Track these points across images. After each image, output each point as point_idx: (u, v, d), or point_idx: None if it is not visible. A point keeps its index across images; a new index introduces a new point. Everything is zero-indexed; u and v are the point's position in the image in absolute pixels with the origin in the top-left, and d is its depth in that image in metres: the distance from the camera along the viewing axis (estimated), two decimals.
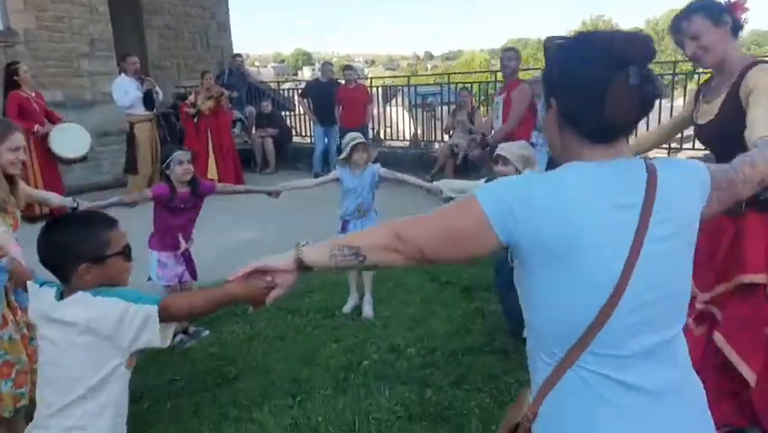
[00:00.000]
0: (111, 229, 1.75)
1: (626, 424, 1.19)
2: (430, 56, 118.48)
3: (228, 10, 12.53)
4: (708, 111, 2.43)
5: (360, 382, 3.30)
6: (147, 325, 1.60)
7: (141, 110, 7.99)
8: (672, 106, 7.59)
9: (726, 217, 2.37)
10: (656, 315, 1.21)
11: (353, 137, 4.18)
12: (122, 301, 1.61)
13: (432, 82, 13.39)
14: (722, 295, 2.46)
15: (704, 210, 1.32)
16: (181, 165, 3.66)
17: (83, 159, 7.55)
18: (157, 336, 1.62)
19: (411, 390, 3.17)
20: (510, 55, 6.11)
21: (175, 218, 3.79)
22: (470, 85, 9.60)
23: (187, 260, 3.94)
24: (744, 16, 2.30)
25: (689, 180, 1.29)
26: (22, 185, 2.82)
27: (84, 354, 1.63)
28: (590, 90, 1.18)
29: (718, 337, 2.42)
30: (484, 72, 13.48)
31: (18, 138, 2.63)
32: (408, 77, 13.11)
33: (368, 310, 4.25)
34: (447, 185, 3.71)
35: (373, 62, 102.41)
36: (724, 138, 2.28)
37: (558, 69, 1.27)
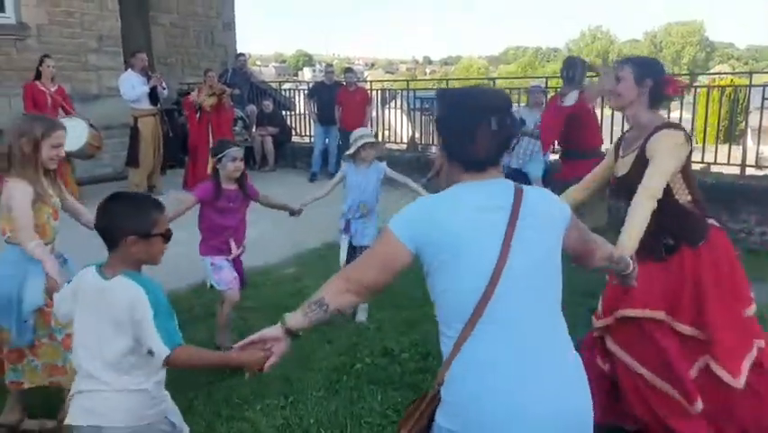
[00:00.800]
0: (159, 212, 2.01)
1: (509, 373, 1.48)
2: (429, 61, 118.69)
3: (234, 9, 12.66)
4: (623, 165, 2.66)
5: (352, 385, 3.32)
6: (152, 355, 1.89)
7: (146, 105, 8.15)
8: (668, 118, 7.65)
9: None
10: (529, 292, 1.52)
11: (362, 134, 4.23)
12: (151, 323, 1.86)
13: (430, 87, 13.58)
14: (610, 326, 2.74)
15: (565, 236, 1.65)
16: (234, 162, 3.57)
17: (82, 154, 7.60)
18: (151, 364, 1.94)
19: (403, 395, 3.17)
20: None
21: (223, 218, 3.63)
22: None
23: (238, 266, 3.81)
24: (667, 90, 2.56)
25: (550, 203, 1.66)
26: (64, 192, 2.95)
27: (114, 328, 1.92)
28: (462, 133, 1.58)
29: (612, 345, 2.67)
30: (482, 79, 13.63)
31: (61, 135, 2.75)
32: (408, 81, 13.28)
33: (361, 315, 4.25)
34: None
35: (373, 65, 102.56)
36: (634, 192, 2.49)
37: (439, 114, 1.70)
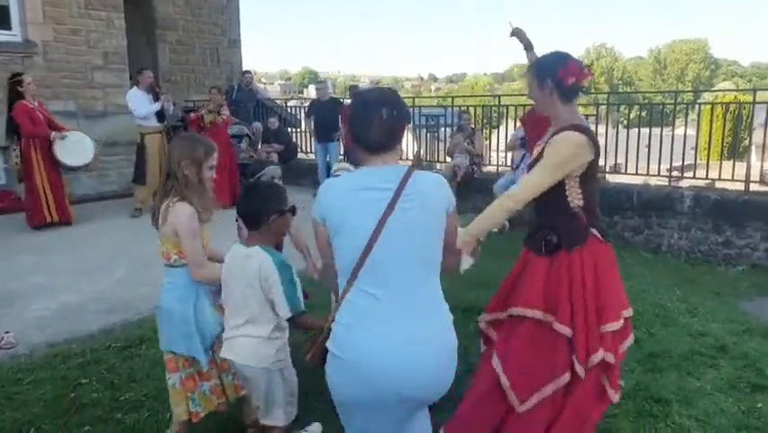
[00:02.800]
0: (285, 192, 2.55)
1: (377, 318, 1.88)
2: (434, 78, 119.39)
3: (240, 27, 12.78)
4: (534, 155, 2.67)
5: None
6: (281, 314, 2.37)
7: (153, 122, 8.20)
8: (673, 135, 7.67)
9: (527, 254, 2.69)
10: (404, 252, 1.88)
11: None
12: (280, 293, 2.34)
13: (435, 104, 13.63)
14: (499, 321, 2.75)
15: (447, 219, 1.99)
16: (275, 180, 3.78)
17: (85, 167, 7.70)
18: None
19: None
20: None
21: None
22: (473, 107, 9.80)
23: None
24: (570, 80, 2.47)
25: (438, 187, 1.99)
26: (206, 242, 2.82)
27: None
28: (362, 122, 1.95)
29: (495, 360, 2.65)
30: (487, 96, 13.69)
31: (216, 157, 2.70)
32: (413, 98, 13.33)
33: None
34: None
35: (378, 83, 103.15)
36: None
37: (350, 109, 2.12)
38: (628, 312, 2.65)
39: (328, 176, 9.90)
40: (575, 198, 2.52)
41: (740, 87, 38.71)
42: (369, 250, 1.86)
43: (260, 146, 10.60)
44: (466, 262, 2.48)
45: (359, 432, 2.06)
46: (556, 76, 2.49)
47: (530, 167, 2.62)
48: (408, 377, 1.88)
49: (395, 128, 1.97)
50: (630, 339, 2.70)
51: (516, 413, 2.57)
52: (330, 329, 1.98)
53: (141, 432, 3.01)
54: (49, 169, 7.29)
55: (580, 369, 2.49)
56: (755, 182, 6.64)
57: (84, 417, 3.15)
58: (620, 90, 57.16)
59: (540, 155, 2.53)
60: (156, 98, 8.17)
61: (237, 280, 2.43)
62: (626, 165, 7.93)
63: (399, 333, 1.87)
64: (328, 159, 9.76)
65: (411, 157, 10.50)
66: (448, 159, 9.11)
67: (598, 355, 2.49)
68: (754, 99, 7.14)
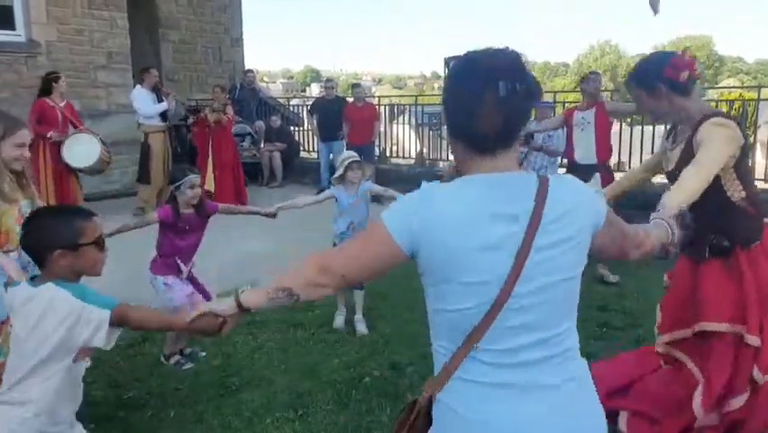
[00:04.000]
0: (85, 220, 1.94)
1: (510, 407, 1.33)
2: (437, 76, 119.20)
3: (242, 26, 12.77)
4: (672, 158, 2.52)
5: (361, 398, 3.32)
6: (99, 329, 1.79)
7: (156, 121, 8.22)
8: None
9: (688, 263, 2.55)
10: (542, 315, 1.34)
11: (347, 156, 4.23)
12: (78, 303, 1.77)
13: (438, 102, 13.59)
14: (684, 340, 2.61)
15: (595, 237, 1.42)
16: (192, 189, 3.58)
17: (93, 170, 7.67)
18: (102, 340, 1.80)
19: None
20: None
21: (182, 240, 3.68)
22: None
23: (194, 282, 3.83)
24: (684, 75, 2.34)
25: (580, 196, 1.39)
26: (38, 200, 2.73)
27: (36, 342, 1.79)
28: (465, 102, 1.31)
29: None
30: None
31: (24, 135, 2.57)
32: (416, 96, 13.32)
33: (361, 328, 4.26)
34: None
35: (380, 81, 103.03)
36: None
37: (445, 84, 1.44)
38: None
39: (331, 175, 9.94)
40: (735, 191, 2.38)
41: (745, 84, 38.55)
42: (497, 311, 1.30)
43: (262, 145, 10.61)
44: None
45: None
46: (665, 77, 2.35)
47: (674, 170, 2.44)
48: None
49: (520, 112, 1.33)
50: None
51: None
52: (428, 406, 1.42)
53: (145, 430, 3.02)
54: (55, 169, 7.26)
55: (759, 377, 2.37)
56: (760, 180, 6.60)
57: (87, 415, 3.13)
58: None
59: (687, 150, 2.36)
60: (159, 97, 8.17)
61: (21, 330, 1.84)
62: (630, 162, 7.90)
63: (538, 419, 1.33)
64: (331, 158, 9.74)
65: (414, 156, 10.50)
66: (451, 156, 9.09)
67: None
68: (759, 96, 7.10)
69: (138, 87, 8.26)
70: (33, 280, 1.93)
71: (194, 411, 3.18)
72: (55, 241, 1.85)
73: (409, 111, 11.17)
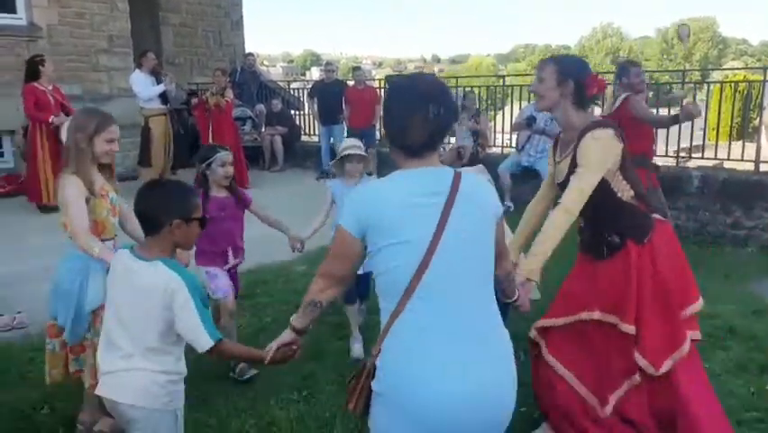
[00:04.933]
0: (197, 198, 2.14)
1: (438, 339, 1.61)
2: (437, 59, 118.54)
3: (242, 9, 12.69)
4: (562, 170, 2.58)
5: None
6: (194, 343, 1.97)
7: (157, 104, 8.20)
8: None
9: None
10: (459, 270, 1.65)
11: (350, 144, 3.92)
12: (195, 321, 1.94)
13: None
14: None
15: (496, 226, 1.78)
16: (223, 167, 3.39)
17: None
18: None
19: None
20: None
21: (215, 227, 3.32)
22: (477, 88, 9.73)
23: (233, 276, 3.66)
24: (592, 90, 2.44)
25: (486, 193, 1.80)
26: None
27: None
28: (401, 119, 1.69)
29: None
30: (491, 76, 13.59)
31: (115, 130, 2.72)
32: None
33: (357, 349, 3.81)
34: None
35: (380, 64, 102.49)
36: None
37: (385, 103, 1.84)
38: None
39: (332, 159, 9.93)
40: (624, 191, 2.48)
41: (749, 66, 38.32)
42: (425, 267, 1.60)
43: (263, 129, 10.58)
44: (535, 294, 2.41)
45: None
46: (580, 80, 2.43)
47: (564, 181, 2.53)
48: (477, 421, 1.63)
49: (442, 129, 1.71)
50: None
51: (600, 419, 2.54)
52: (374, 366, 1.69)
53: None
54: (52, 152, 7.26)
55: (645, 364, 2.44)
56: (765, 162, 6.58)
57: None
58: None
59: (573, 163, 2.46)
60: (159, 81, 8.14)
61: (126, 294, 2.01)
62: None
63: (460, 362, 1.60)
64: (332, 141, 9.72)
65: None
66: (452, 140, 9.04)
67: (686, 345, 2.48)
68: (765, 78, 7.06)
69: (137, 71, 8.23)
70: (133, 249, 2.06)
71: (199, 393, 3.17)
72: (177, 210, 1.99)
73: None
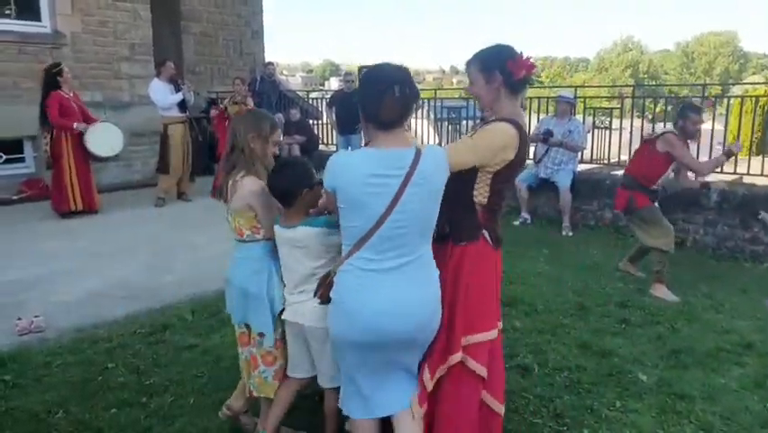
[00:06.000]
0: (312, 168, 2.57)
1: (376, 281, 2.09)
2: (455, 70, 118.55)
3: (262, 18, 12.83)
4: None
5: None
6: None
7: (175, 112, 8.29)
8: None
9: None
10: (407, 230, 2.07)
11: None
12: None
13: (457, 96, 13.55)
14: None
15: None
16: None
17: (115, 157, 7.87)
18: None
19: None
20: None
21: None
22: None
23: None
24: (521, 73, 2.33)
25: (440, 165, 2.13)
26: None
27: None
28: (374, 98, 2.05)
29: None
30: None
31: (279, 134, 2.90)
32: (435, 90, 13.30)
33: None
34: None
35: None
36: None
37: (360, 86, 2.22)
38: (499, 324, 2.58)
39: None
40: (481, 193, 2.38)
41: None
42: (377, 228, 2.04)
43: (281, 137, 10.66)
44: None
45: (350, 367, 2.24)
46: (505, 68, 2.34)
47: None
48: (403, 320, 2.10)
49: (408, 105, 2.07)
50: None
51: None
52: (335, 273, 2.18)
53: (166, 416, 3.05)
54: (77, 158, 7.42)
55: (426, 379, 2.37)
56: None
57: (110, 400, 3.21)
58: (645, 84, 56.25)
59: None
60: (177, 89, 8.25)
61: (289, 255, 2.52)
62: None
63: (395, 286, 2.09)
64: (350, 150, 9.74)
65: None
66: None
67: (456, 357, 2.36)
68: None
69: (155, 79, 8.31)
70: (282, 223, 2.51)
71: (213, 398, 3.21)
72: (305, 182, 2.49)
73: (428, 105, 11.14)
